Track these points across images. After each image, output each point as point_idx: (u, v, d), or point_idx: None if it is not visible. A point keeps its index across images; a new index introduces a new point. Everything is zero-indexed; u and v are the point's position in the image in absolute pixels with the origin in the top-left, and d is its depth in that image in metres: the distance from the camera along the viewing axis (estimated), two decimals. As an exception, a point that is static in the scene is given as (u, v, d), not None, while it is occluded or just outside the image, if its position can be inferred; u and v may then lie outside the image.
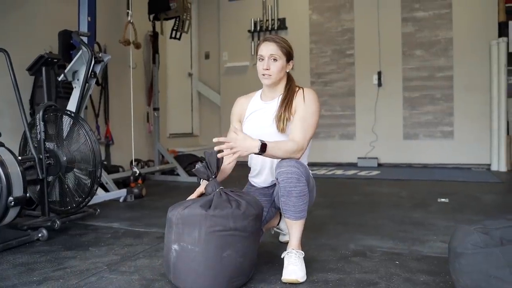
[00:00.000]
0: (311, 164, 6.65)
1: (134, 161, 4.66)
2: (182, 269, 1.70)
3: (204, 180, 1.94)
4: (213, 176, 1.83)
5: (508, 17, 5.73)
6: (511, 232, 1.57)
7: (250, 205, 1.75)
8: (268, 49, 2.07)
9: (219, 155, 1.82)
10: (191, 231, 1.67)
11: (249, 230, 1.73)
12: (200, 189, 1.93)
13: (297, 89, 2.14)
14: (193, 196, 1.91)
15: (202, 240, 1.65)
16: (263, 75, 2.08)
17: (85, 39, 3.33)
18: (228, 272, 1.69)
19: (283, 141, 1.99)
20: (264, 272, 1.97)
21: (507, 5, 5.71)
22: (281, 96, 2.13)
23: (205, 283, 1.68)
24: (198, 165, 1.82)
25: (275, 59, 2.07)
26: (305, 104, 2.06)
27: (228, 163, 2.04)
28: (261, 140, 1.83)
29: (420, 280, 1.87)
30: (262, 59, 2.08)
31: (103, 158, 4.89)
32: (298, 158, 1.97)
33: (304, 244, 2.10)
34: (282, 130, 2.06)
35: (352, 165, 6.35)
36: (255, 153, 1.83)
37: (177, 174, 5.19)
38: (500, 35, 5.68)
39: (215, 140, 1.83)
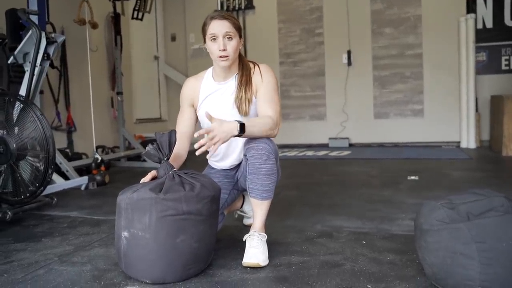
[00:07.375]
0: (282, 146, 6.53)
1: (98, 147, 4.49)
2: (133, 258, 1.58)
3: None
4: (165, 158, 1.70)
5: (476, -7, 5.71)
6: (478, 207, 1.51)
7: (204, 187, 1.63)
8: (221, 27, 1.86)
9: (197, 152, 1.65)
10: (141, 216, 1.55)
11: (205, 214, 1.62)
12: (154, 172, 1.80)
13: (253, 66, 2.00)
14: (145, 179, 1.78)
15: (153, 225, 1.53)
16: (220, 56, 1.89)
17: (35, 18, 3.12)
18: (182, 259, 1.58)
19: (258, 118, 1.87)
20: (225, 257, 1.87)
21: (475, -20, 5.69)
22: (237, 76, 1.98)
23: (158, 272, 1.56)
24: (149, 147, 1.69)
25: (230, 38, 1.88)
26: (264, 81, 1.94)
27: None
28: (237, 121, 1.69)
29: (386, 260, 1.80)
30: (215, 39, 1.88)
31: (65, 145, 4.69)
32: (275, 136, 1.87)
33: (269, 226, 2.02)
34: (245, 113, 1.92)
35: (324, 146, 6.29)
36: (235, 135, 1.69)
37: (144, 160, 5.03)
38: (468, 12, 5.67)
39: (196, 134, 1.70)
